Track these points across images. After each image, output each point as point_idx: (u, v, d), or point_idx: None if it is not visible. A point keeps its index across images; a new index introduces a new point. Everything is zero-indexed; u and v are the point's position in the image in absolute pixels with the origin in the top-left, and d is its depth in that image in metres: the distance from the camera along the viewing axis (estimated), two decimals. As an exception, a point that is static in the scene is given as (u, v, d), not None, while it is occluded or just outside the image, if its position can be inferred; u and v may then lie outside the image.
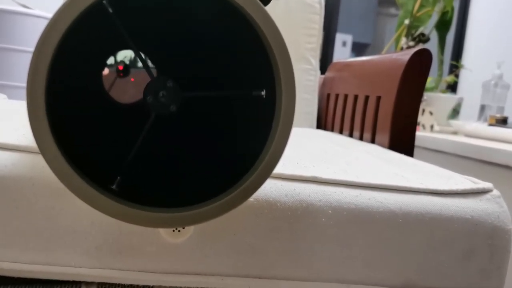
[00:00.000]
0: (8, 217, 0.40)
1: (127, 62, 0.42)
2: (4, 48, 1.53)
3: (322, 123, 1.19)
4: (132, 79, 0.45)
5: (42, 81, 0.29)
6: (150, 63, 0.43)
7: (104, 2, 0.33)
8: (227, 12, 0.36)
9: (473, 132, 1.44)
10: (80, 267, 0.42)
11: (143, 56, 0.39)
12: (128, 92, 0.45)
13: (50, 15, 1.58)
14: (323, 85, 1.22)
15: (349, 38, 3.50)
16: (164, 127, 0.38)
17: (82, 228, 0.41)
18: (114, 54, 0.41)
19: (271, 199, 0.44)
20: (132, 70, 0.43)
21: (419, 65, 0.80)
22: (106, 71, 0.42)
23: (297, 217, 0.44)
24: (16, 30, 1.53)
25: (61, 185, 0.32)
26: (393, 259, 0.46)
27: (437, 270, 0.47)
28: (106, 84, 0.43)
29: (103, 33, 0.37)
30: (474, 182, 0.52)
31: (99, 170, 0.35)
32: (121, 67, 0.43)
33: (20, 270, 0.41)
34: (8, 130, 0.49)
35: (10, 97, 1.02)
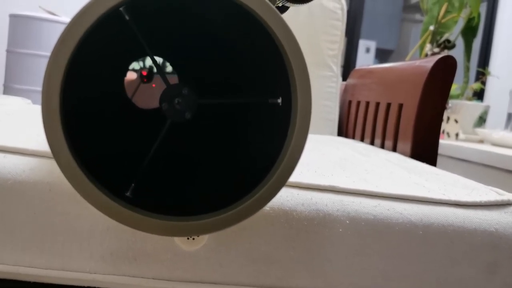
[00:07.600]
0: (25, 222, 0.40)
1: (150, 67, 0.42)
2: (30, 54, 1.57)
3: (343, 130, 1.18)
4: (153, 85, 0.45)
5: (57, 87, 0.29)
6: (170, 69, 0.43)
7: (121, 9, 0.33)
8: (243, 20, 0.35)
9: (500, 141, 1.40)
10: (95, 273, 0.42)
11: (159, 63, 0.39)
12: (148, 98, 0.45)
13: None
14: (344, 92, 1.20)
15: (372, 44, 3.47)
16: (178, 133, 0.37)
17: (98, 233, 0.41)
18: (130, 60, 0.41)
19: (287, 208, 0.43)
20: (155, 76, 0.43)
21: (443, 72, 0.78)
22: (130, 75, 0.42)
23: (314, 227, 0.43)
24: (43, 36, 1.57)
25: (76, 191, 0.32)
26: (413, 272, 0.45)
27: (459, 284, 0.45)
28: (129, 90, 0.43)
29: (119, 39, 0.37)
30: (499, 194, 0.51)
31: (113, 177, 0.35)
32: (144, 73, 0.43)
33: (36, 275, 0.41)
34: (29, 135, 0.49)
35: (34, 102, 1.04)
